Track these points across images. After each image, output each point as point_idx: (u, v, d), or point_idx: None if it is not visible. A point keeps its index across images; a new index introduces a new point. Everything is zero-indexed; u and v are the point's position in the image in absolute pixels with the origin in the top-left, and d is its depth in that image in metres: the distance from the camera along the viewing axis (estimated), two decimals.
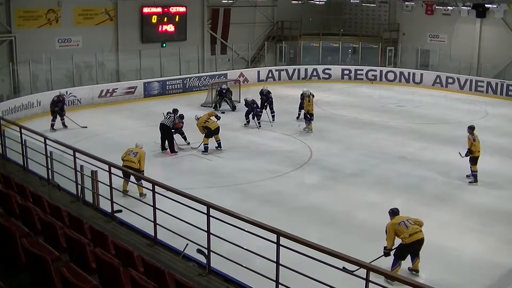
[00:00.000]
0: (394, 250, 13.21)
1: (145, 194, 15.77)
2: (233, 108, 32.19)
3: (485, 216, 17.46)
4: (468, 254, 14.82)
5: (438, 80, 40.58)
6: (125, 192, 15.83)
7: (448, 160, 22.92)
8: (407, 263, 13.42)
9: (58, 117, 26.61)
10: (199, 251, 10.25)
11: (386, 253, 13.25)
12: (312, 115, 27.54)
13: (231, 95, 32.63)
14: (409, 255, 13.35)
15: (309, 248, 8.45)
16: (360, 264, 7.89)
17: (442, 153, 24.08)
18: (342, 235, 15.70)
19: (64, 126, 26.90)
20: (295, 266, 8.76)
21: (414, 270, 13.53)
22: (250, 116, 27.78)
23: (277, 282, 8.88)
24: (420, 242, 13.15)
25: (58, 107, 26.77)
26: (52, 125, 26.47)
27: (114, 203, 12.29)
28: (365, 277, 7.79)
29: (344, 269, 11.15)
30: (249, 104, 27.74)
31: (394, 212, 13.69)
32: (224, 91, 32.24)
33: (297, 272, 8.72)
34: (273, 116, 29.07)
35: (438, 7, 40.12)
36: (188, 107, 31.09)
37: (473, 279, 13.49)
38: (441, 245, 15.02)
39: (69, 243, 8.89)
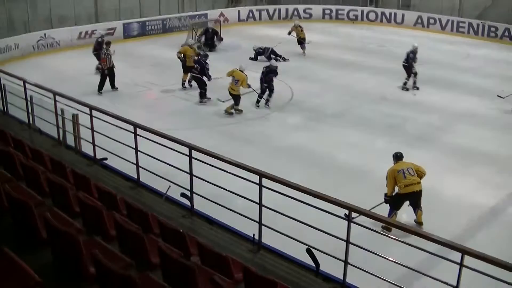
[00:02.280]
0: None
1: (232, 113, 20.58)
2: (220, 39, 32.14)
3: (465, 156, 17.64)
4: (448, 194, 14.97)
5: (419, 21, 40.43)
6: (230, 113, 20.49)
7: (429, 101, 23.04)
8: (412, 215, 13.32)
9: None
10: (182, 194, 10.29)
11: (386, 200, 13.16)
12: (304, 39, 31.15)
13: (218, 36, 32.47)
14: (411, 207, 13.21)
15: (291, 189, 8.51)
16: (342, 205, 7.97)
17: (423, 93, 24.15)
18: (324, 176, 15.79)
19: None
20: (277, 207, 8.83)
21: (417, 223, 13.15)
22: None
23: (260, 223, 8.96)
24: (416, 194, 12.99)
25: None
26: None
27: (96, 147, 12.27)
28: (347, 218, 7.90)
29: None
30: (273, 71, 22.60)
31: (397, 157, 13.52)
32: (210, 30, 32.08)
33: (280, 213, 8.79)
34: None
35: None
36: (169, 47, 30.83)
37: (453, 219, 13.64)
38: (423, 185, 15.17)
39: (51, 188, 8.90)
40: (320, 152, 17.69)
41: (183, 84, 24.38)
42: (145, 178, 11.29)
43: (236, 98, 21.13)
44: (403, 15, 41.20)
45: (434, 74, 26.96)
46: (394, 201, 13.11)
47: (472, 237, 12.95)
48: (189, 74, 23.72)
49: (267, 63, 23.13)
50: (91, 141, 12.26)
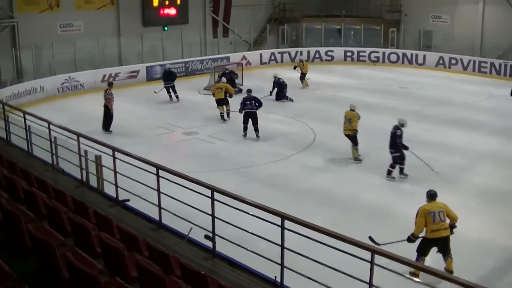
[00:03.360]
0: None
1: (360, 160, 20.30)
2: (238, 91, 32.17)
3: (488, 197, 17.48)
4: (473, 236, 14.81)
5: (441, 61, 40.47)
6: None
7: (451, 142, 22.95)
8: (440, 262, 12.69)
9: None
10: (206, 236, 10.25)
11: (410, 239, 12.63)
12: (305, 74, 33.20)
13: (237, 77, 32.56)
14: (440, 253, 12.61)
15: (313, 231, 8.46)
16: (365, 247, 7.89)
17: (445, 134, 24.07)
18: (346, 217, 15.71)
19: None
20: (299, 249, 8.76)
21: (447, 271, 12.31)
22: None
23: (282, 265, 8.90)
24: (443, 240, 12.41)
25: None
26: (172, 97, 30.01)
27: (118, 188, 12.31)
28: (370, 259, 7.82)
29: (370, 239, 12.65)
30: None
31: (430, 196, 12.87)
32: (227, 71, 32.21)
33: (302, 255, 8.72)
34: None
35: None
36: (191, 90, 31.10)
37: (479, 261, 13.48)
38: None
39: (74, 228, 8.92)
40: (342, 194, 17.63)
41: (222, 116, 25.82)
42: (167, 219, 11.28)
43: (353, 138, 20.86)
44: (424, 56, 41.26)
45: (456, 115, 26.88)
46: (420, 247, 12.57)
47: (500, 279, 12.84)
48: (224, 107, 25.64)
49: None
50: (114, 182, 12.30)
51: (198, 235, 10.52)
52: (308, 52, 42.43)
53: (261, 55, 40.86)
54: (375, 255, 7.77)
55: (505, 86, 34.36)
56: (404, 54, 42.12)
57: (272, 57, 41.00)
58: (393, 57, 42.34)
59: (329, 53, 42.62)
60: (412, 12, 43.99)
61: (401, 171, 18.81)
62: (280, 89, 30.31)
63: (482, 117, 26.91)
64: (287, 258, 8.87)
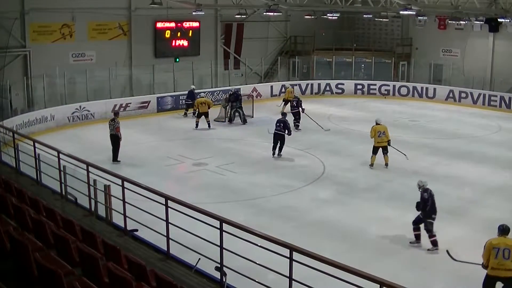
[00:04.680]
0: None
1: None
2: (244, 121, 32.27)
3: (495, 230, 17.29)
4: (482, 270, 14.69)
5: (451, 95, 40.48)
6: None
7: (462, 175, 22.87)
8: None
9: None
10: (217, 268, 10.20)
11: (483, 266, 12.26)
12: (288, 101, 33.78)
13: (240, 103, 32.82)
14: None
15: (322, 263, 8.42)
16: (374, 280, 7.83)
17: (455, 167, 24.00)
18: (356, 250, 15.61)
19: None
20: (308, 281, 8.71)
21: None
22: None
23: None
24: (505, 280, 11.84)
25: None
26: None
27: (127, 218, 12.29)
28: None
29: (447, 252, 13.74)
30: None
31: (501, 230, 12.31)
32: (232, 93, 32.88)
33: (310, 287, 8.67)
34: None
35: (451, 21, 39.97)
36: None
37: None
38: (455, 262, 14.95)
39: (81, 257, 8.89)
40: (351, 226, 17.54)
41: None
42: (175, 250, 11.24)
43: (387, 148, 23.63)
44: (434, 90, 41.27)
45: (466, 148, 26.83)
46: (484, 282, 12.15)
47: None
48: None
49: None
50: (122, 212, 12.28)
51: (206, 266, 10.46)
52: (319, 84, 42.52)
53: (271, 87, 40.91)
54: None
55: None
56: (414, 88, 42.17)
57: (283, 89, 41.00)
58: (404, 90, 42.36)
59: (339, 86, 42.68)
60: (422, 46, 44.13)
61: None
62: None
63: (492, 151, 26.82)
64: None
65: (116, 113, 25.34)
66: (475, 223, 18.02)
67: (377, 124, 23.85)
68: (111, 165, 22.19)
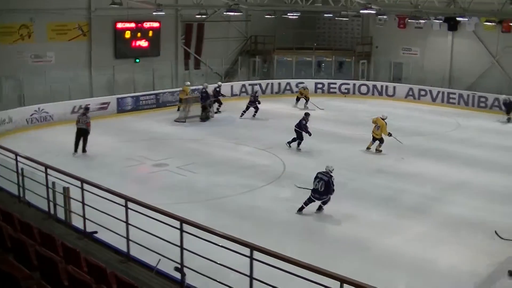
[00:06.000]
0: None
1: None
2: (205, 119, 32.36)
3: (459, 227, 17.58)
4: (445, 265, 14.87)
5: (410, 93, 41.00)
6: None
7: (423, 172, 23.10)
8: None
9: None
10: (176, 268, 10.15)
11: None
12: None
13: (210, 99, 33.57)
14: None
15: (283, 262, 8.42)
16: (335, 277, 7.85)
17: (416, 165, 24.24)
18: (318, 248, 15.68)
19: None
20: (270, 280, 8.71)
21: None
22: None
23: None
24: None
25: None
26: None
27: (86, 220, 12.16)
28: None
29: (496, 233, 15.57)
30: None
31: None
32: (203, 91, 33.39)
33: (271, 286, 8.67)
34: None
35: (411, 20, 40.32)
36: (162, 122, 31.05)
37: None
38: (418, 257, 15.16)
39: (40, 261, 8.78)
40: (314, 225, 17.64)
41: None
42: (135, 251, 11.16)
43: (380, 140, 25.98)
44: (394, 88, 41.77)
45: (426, 145, 27.11)
46: None
47: None
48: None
49: None
50: (82, 215, 12.15)
51: (167, 267, 10.40)
52: (279, 84, 42.59)
53: (232, 87, 40.86)
54: (344, 285, 7.74)
55: (473, 117, 34.95)
56: (374, 86, 42.61)
57: (243, 89, 41.03)
58: (364, 89, 42.76)
59: (300, 85, 42.72)
60: (382, 45, 44.52)
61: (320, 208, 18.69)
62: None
63: (452, 148, 27.14)
64: None
65: (86, 108, 26.05)
66: (437, 219, 18.24)
67: (381, 118, 26.27)
68: (71, 167, 21.93)
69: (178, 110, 34.18)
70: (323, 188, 17.94)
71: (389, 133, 25.84)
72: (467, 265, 14.92)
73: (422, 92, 40.52)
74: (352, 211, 18.77)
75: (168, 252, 10.32)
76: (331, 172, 18.15)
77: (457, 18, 37.67)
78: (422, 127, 31.65)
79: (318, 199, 18.24)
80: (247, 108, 33.93)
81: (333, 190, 18.03)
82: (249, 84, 41.41)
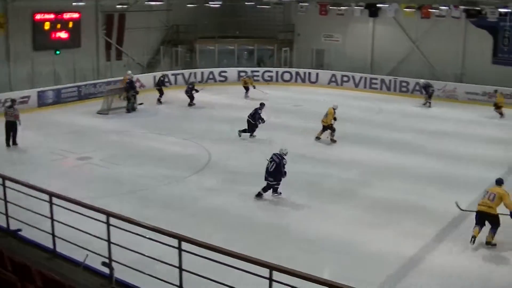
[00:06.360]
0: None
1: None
2: (131, 110, 32.13)
3: (383, 209, 17.93)
4: (372, 248, 15.15)
5: (333, 79, 41.58)
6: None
7: (348, 157, 23.46)
8: None
9: None
10: (103, 263, 10.04)
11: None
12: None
13: (135, 90, 33.39)
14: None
15: (212, 251, 8.43)
16: (264, 265, 7.90)
17: (341, 150, 24.62)
18: (245, 237, 15.71)
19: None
20: (199, 270, 8.73)
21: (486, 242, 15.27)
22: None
23: (180, 287, 8.82)
24: (480, 214, 15.27)
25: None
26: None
27: (9, 217, 11.90)
28: (268, 276, 7.83)
29: (456, 204, 16.36)
30: None
31: (496, 181, 15.85)
32: (128, 81, 33.35)
33: (200, 276, 8.69)
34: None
35: (332, 7, 40.91)
36: (85, 114, 30.62)
37: (378, 270, 13.84)
38: (345, 241, 15.46)
39: None
40: (240, 214, 17.67)
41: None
42: (62, 248, 10.98)
43: (328, 127, 26.06)
44: (317, 74, 42.30)
45: (350, 130, 27.48)
46: None
47: (396, 287, 13.34)
48: None
49: None
50: (4, 212, 11.88)
51: (95, 262, 10.28)
52: (202, 73, 42.44)
53: (154, 77, 40.42)
54: (273, 272, 7.80)
55: (395, 101, 35.64)
56: (297, 73, 43.00)
57: (166, 79, 40.70)
58: (287, 76, 43.09)
59: (223, 73, 42.79)
60: (304, 32, 44.92)
61: (275, 190, 19.00)
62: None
63: (375, 132, 27.61)
64: (187, 279, 8.81)
65: (13, 100, 25.93)
66: (364, 203, 18.60)
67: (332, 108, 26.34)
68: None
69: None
70: (272, 169, 18.50)
71: (334, 117, 26.04)
72: (393, 247, 15.24)
73: (345, 78, 41.15)
74: (276, 198, 18.92)
75: (95, 247, 10.20)
76: (285, 155, 18.65)
77: (378, 5, 38.41)
78: (346, 113, 32.06)
79: (267, 180, 18.66)
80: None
81: (285, 173, 18.58)
82: (172, 74, 41.10)
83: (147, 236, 9.41)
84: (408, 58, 40.25)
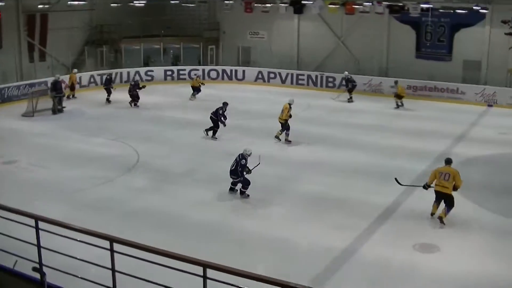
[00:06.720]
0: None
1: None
2: (56, 111, 31.61)
3: (313, 204, 18.13)
4: (304, 242, 15.32)
5: (260, 76, 41.83)
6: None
7: (276, 154, 23.60)
8: None
9: None
10: (34, 269, 9.86)
11: (424, 187, 16.98)
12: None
13: (61, 91, 32.91)
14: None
15: (145, 252, 8.38)
16: (198, 263, 7.89)
17: (268, 146, 24.69)
18: (179, 235, 15.67)
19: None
20: (133, 271, 8.66)
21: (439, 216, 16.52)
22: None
23: None
24: (440, 194, 16.48)
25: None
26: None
27: None
28: (202, 274, 7.84)
29: (396, 180, 17.82)
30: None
31: (446, 161, 16.88)
32: (53, 82, 32.80)
33: (134, 276, 8.64)
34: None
35: (257, 5, 41.21)
36: (9, 117, 29.97)
37: (310, 264, 14.01)
38: (276, 237, 15.52)
39: None
40: (172, 213, 17.59)
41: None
42: None
43: (282, 125, 25.79)
44: (243, 72, 42.47)
45: (278, 127, 27.60)
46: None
47: (328, 279, 13.53)
48: None
49: None
50: None
51: (25, 268, 10.08)
52: (128, 73, 41.98)
53: (80, 78, 39.88)
54: (207, 269, 7.81)
55: (322, 97, 36.00)
56: (223, 71, 43.10)
57: (92, 80, 40.23)
58: (213, 74, 43.16)
59: (149, 73, 42.52)
60: (230, 30, 45.16)
61: (242, 193, 19.06)
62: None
63: (302, 128, 27.78)
64: (120, 281, 8.73)
65: None
66: (294, 198, 18.79)
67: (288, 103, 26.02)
68: None
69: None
70: (233, 167, 18.98)
71: (289, 115, 25.73)
72: (325, 240, 15.46)
73: (272, 75, 41.43)
74: (207, 196, 18.98)
75: (25, 252, 10.00)
76: (248, 156, 19.02)
77: (302, 2, 38.78)
78: (273, 109, 32.17)
79: (230, 177, 19.08)
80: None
81: (248, 171, 18.97)
82: (98, 75, 40.57)
83: (78, 239, 9.26)
84: (333, 54, 40.91)
